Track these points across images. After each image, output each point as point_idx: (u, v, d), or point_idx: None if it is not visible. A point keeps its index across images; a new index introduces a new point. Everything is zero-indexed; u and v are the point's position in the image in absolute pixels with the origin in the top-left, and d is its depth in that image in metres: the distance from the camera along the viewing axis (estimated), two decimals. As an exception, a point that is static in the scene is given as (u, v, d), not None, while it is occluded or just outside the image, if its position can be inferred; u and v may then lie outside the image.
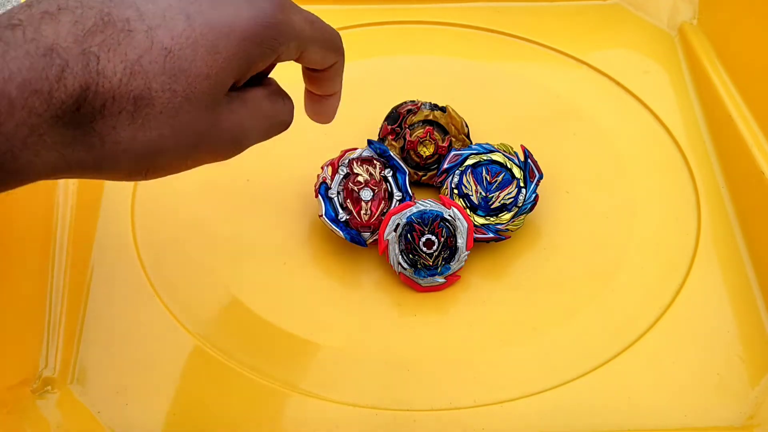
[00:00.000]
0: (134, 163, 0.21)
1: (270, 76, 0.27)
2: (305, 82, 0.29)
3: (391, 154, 0.38)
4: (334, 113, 0.31)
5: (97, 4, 0.20)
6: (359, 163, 0.37)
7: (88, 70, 0.19)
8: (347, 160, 0.37)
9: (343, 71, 0.29)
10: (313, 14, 0.26)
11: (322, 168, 0.38)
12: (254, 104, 0.24)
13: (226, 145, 0.24)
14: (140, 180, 0.23)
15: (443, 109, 0.40)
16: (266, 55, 0.23)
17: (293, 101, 0.28)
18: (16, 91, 0.18)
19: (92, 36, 0.19)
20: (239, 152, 0.25)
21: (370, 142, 0.38)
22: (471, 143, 0.40)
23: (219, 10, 0.22)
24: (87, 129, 0.20)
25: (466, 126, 0.40)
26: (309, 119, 0.29)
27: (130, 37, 0.20)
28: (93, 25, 0.19)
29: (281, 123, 0.26)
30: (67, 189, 0.39)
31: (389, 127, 0.40)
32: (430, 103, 0.40)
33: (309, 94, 0.30)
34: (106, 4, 0.20)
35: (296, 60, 0.26)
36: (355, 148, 0.38)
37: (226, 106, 0.23)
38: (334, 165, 0.37)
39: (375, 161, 0.38)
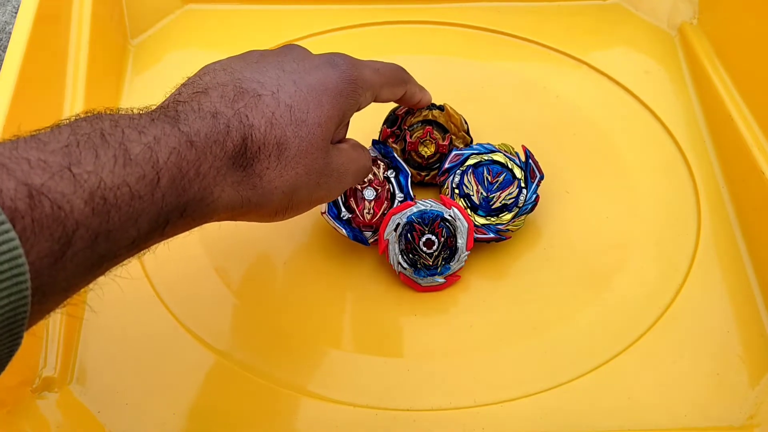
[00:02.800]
0: (281, 198, 0.27)
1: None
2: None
3: (395, 155, 0.38)
4: (429, 99, 0.37)
5: (230, 81, 0.26)
6: None
7: (243, 124, 0.25)
8: (349, 160, 0.37)
9: (416, 87, 0.36)
10: (378, 62, 0.32)
11: (323, 168, 0.38)
12: (347, 152, 0.30)
13: (335, 183, 0.29)
14: (281, 219, 0.28)
15: (441, 108, 0.40)
16: (352, 105, 0.29)
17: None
18: (204, 141, 0.24)
19: (237, 102, 0.25)
20: (342, 191, 0.30)
21: (374, 142, 0.38)
22: (471, 139, 0.40)
23: (314, 75, 0.28)
24: (250, 171, 0.25)
25: (465, 123, 0.40)
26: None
27: (262, 100, 0.26)
28: (234, 95, 0.26)
29: (365, 167, 0.32)
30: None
31: (389, 129, 0.40)
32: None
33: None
34: (237, 79, 0.26)
35: (374, 101, 0.32)
36: (356, 148, 0.38)
37: (332, 151, 0.29)
38: (335, 165, 0.37)
39: (379, 162, 0.38)
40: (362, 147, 0.32)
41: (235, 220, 0.27)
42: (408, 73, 0.35)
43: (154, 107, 0.25)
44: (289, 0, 0.48)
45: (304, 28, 0.47)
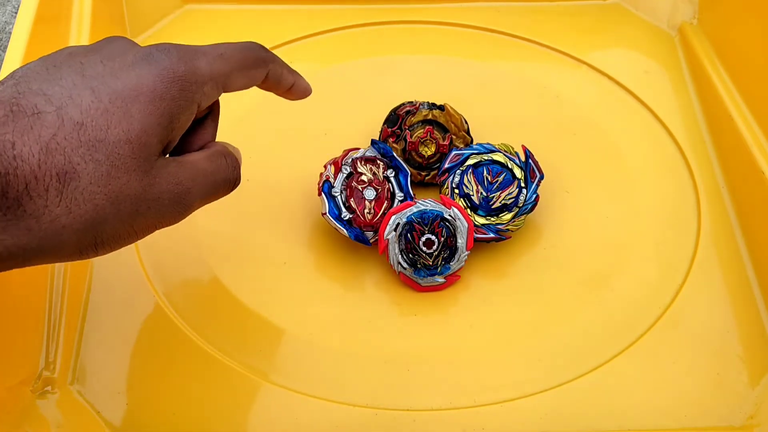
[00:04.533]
0: (78, 237, 0.22)
1: (218, 139, 0.28)
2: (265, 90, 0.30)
3: (394, 155, 0.38)
4: (307, 88, 0.31)
5: (5, 97, 0.21)
6: (363, 163, 0.37)
7: (5, 156, 0.20)
8: (350, 159, 0.37)
9: (283, 68, 0.29)
10: (224, 44, 0.27)
11: (325, 167, 0.38)
12: (193, 165, 0.25)
13: (169, 207, 0.24)
14: (94, 256, 0.23)
15: (441, 108, 0.40)
16: (182, 107, 0.24)
17: (241, 156, 0.28)
18: None
19: (4, 126, 0.20)
20: (187, 214, 0.25)
21: (374, 141, 0.38)
22: (471, 139, 0.40)
23: (122, 78, 0.23)
24: (18, 212, 0.20)
25: (466, 123, 0.40)
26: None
27: (41, 119, 0.21)
28: (3, 116, 0.21)
29: (226, 180, 0.27)
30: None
31: (389, 129, 0.40)
32: (428, 102, 0.40)
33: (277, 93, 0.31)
34: (14, 96, 0.21)
35: (226, 91, 0.27)
36: (358, 148, 0.38)
37: (161, 169, 0.24)
38: (338, 164, 0.37)
39: (378, 161, 0.38)
40: (225, 154, 0.27)
41: (22, 267, 0.22)
42: (269, 52, 0.29)
43: None
44: (289, 0, 0.48)
45: (303, 28, 0.47)
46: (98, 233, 0.22)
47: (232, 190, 0.28)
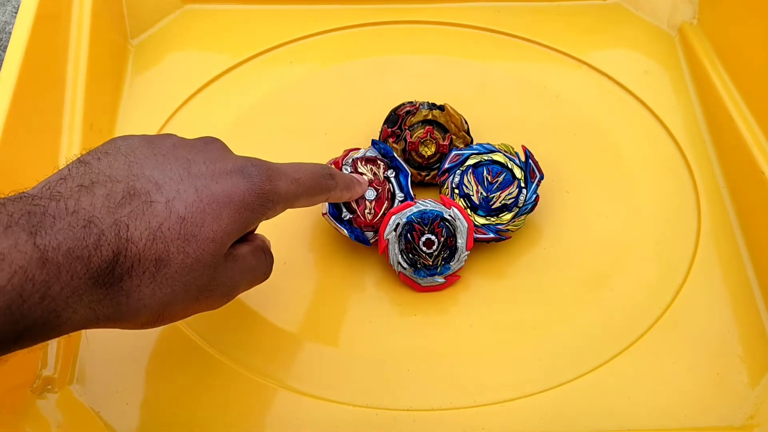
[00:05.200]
0: (150, 315, 0.24)
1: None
2: None
3: (395, 155, 0.38)
4: (356, 191, 0.35)
5: (123, 178, 0.23)
6: (363, 163, 0.37)
7: (119, 237, 0.22)
8: (351, 160, 0.37)
9: (342, 192, 0.33)
10: (301, 168, 0.30)
11: (324, 167, 0.38)
12: (242, 261, 0.27)
13: (221, 297, 0.27)
14: (147, 328, 0.25)
15: (441, 108, 0.40)
16: (257, 218, 0.27)
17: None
18: (63, 258, 0.21)
19: (122, 207, 0.23)
20: (228, 301, 0.28)
21: (374, 142, 0.38)
22: (471, 139, 0.40)
23: (220, 183, 0.25)
24: (116, 288, 0.23)
25: (466, 123, 0.40)
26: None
27: (153, 208, 0.23)
28: (121, 198, 0.23)
29: (263, 275, 0.30)
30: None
31: (389, 129, 0.40)
32: (428, 102, 0.40)
33: None
34: (131, 178, 0.24)
35: (288, 208, 0.29)
36: (358, 148, 0.38)
37: (223, 265, 0.26)
38: (338, 164, 0.37)
39: (379, 161, 0.38)
40: (264, 250, 0.30)
41: (86, 329, 0.24)
42: (333, 178, 0.32)
43: (30, 193, 0.22)
44: (289, 0, 0.48)
45: (303, 28, 0.47)
46: (164, 313, 0.25)
47: (263, 281, 0.30)
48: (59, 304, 0.21)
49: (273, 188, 0.27)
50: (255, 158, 0.28)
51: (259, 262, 0.29)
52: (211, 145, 0.27)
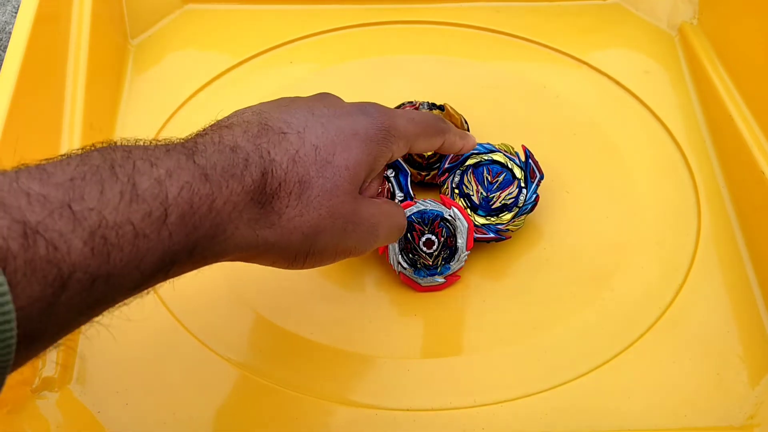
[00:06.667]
0: (301, 242, 0.26)
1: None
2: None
3: (393, 154, 0.38)
4: (469, 143, 0.35)
5: (255, 118, 0.26)
6: None
7: (263, 159, 0.24)
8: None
9: (456, 137, 0.34)
10: (413, 112, 0.32)
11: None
12: (380, 205, 0.29)
13: (365, 235, 0.28)
14: (300, 267, 0.27)
15: (441, 108, 0.40)
16: (384, 152, 0.28)
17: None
18: (220, 176, 0.23)
19: (259, 138, 0.25)
20: (374, 245, 0.29)
21: None
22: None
23: (343, 119, 0.28)
24: (269, 208, 0.24)
25: (466, 122, 0.40)
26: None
27: (286, 138, 0.26)
28: (258, 131, 0.25)
29: (400, 224, 0.31)
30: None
31: (389, 127, 0.40)
32: (428, 102, 0.40)
33: None
34: (264, 118, 0.26)
35: (410, 152, 0.31)
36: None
37: (362, 201, 0.28)
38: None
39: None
40: (398, 205, 0.31)
41: (249, 261, 0.26)
42: (446, 123, 0.33)
43: (176, 140, 0.24)
44: (289, 0, 0.48)
45: (303, 28, 0.47)
46: (314, 243, 0.26)
47: (400, 236, 0.32)
48: (223, 218, 0.23)
49: (392, 124, 0.29)
50: (370, 102, 0.30)
51: (395, 211, 0.30)
52: (327, 96, 0.30)
